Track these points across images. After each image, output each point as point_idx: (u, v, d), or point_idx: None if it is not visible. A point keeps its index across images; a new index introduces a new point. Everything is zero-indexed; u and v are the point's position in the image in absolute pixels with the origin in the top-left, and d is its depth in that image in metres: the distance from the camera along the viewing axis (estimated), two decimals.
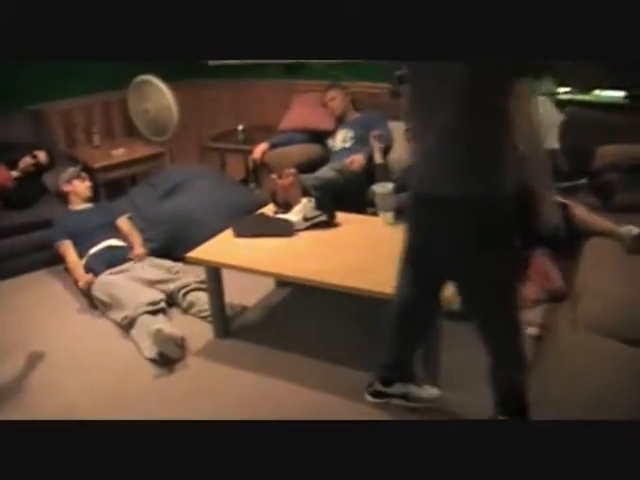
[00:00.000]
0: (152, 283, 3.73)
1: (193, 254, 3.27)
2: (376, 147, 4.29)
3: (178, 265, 3.87)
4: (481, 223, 2.17)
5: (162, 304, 3.61)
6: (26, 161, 4.53)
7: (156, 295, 3.62)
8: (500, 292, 2.32)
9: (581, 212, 3.37)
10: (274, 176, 3.62)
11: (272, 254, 3.19)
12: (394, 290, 2.60)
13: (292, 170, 3.58)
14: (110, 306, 3.66)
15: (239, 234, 3.41)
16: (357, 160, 4.24)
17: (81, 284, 3.83)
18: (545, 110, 4.24)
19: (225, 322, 3.45)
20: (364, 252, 3.15)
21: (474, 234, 2.19)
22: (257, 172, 5.30)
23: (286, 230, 3.37)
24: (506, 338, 2.38)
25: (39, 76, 4.99)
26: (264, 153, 4.69)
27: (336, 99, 4.76)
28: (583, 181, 3.83)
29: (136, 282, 3.71)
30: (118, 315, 3.55)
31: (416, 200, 2.32)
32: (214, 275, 3.31)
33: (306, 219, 3.42)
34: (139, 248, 4.01)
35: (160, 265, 3.89)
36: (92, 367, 3.27)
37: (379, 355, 2.69)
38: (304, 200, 3.47)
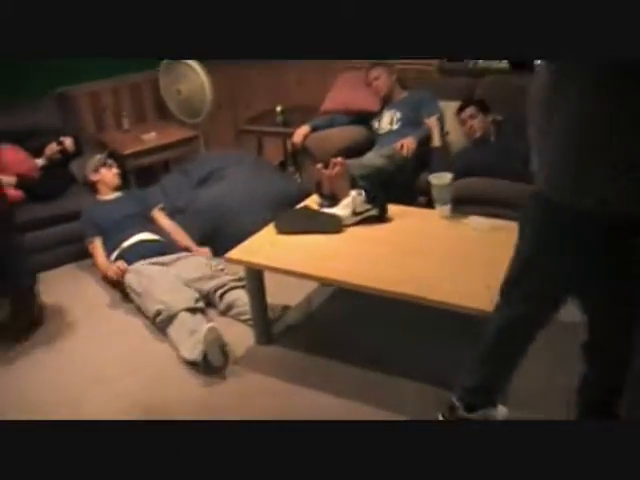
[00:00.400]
0: (189, 282, 3.45)
1: (232, 254, 2.96)
2: (436, 129, 3.95)
3: (216, 262, 3.59)
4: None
5: (201, 303, 3.33)
6: (52, 148, 4.25)
7: (194, 294, 3.34)
8: (630, 316, 2.01)
9: None
10: (320, 166, 3.29)
11: (319, 254, 2.87)
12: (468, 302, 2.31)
13: (339, 159, 3.25)
14: (144, 297, 3.38)
15: (282, 230, 3.10)
16: (408, 144, 3.89)
17: (111, 272, 3.58)
18: None
19: (267, 327, 3.15)
20: (420, 252, 2.82)
21: (627, 254, 1.88)
22: (296, 156, 4.97)
23: (334, 226, 3.05)
24: (620, 360, 2.09)
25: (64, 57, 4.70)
26: (305, 136, 4.35)
27: (381, 78, 4.39)
28: None
29: (174, 278, 3.44)
30: (152, 307, 3.27)
31: (551, 210, 1.98)
32: (255, 277, 3.01)
33: (355, 213, 3.10)
34: (197, 247, 3.83)
35: (197, 262, 3.61)
36: (119, 374, 3.03)
37: (463, 378, 2.36)
38: (353, 192, 3.14)
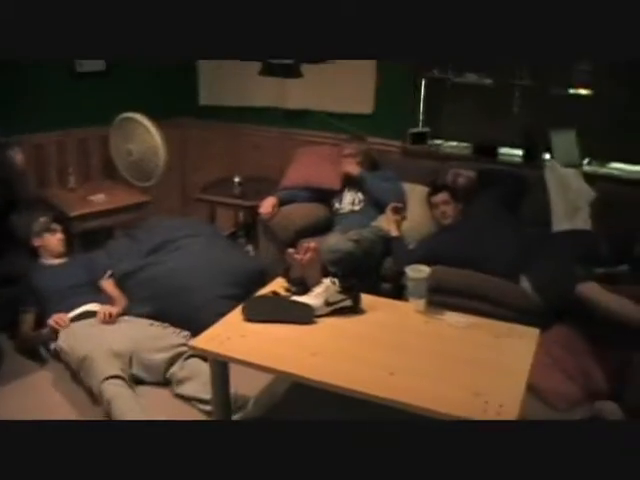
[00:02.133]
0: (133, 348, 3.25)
1: (198, 343, 2.74)
2: (392, 219, 3.84)
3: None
4: None
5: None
6: None
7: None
8: None
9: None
10: (291, 250, 3.13)
11: (292, 348, 2.68)
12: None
13: (312, 244, 3.09)
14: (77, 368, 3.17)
15: (250, 318, 2.90)
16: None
17: (52, 322, 3.37)
18: (578, 186, 3.89)
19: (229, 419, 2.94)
20: (399, 350, 2.66)
21: None
22: (248, 226, 4.82)
23: (306, 317, 2.87)
24: None
25: (9, 106, 4.45)
26: (274, 206, 4.21)
27: (358, 155, 4.31)
28: (624, 267, 3.44)
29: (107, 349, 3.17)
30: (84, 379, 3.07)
31: None
32: (220, 367, 2.80)
33: (328, 304, 2.94)
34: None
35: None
36: None
37: None
38: (326, 281, 2.98)
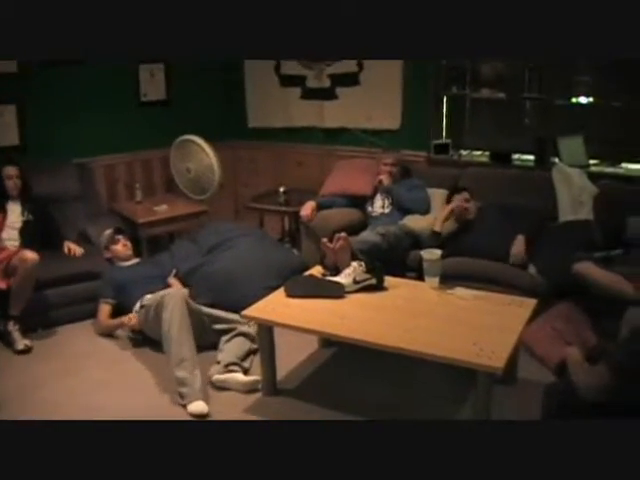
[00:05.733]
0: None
1: (249, 312, 3.36)
2: (442, 217, 4.38)
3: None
4: None
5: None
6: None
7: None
8: None
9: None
10: (325, 240, 3.73)
11: (327, 315, 3.28)
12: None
13: (343, 234, 3.69)
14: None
15: (291, 294, 3.50)
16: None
17: (132, 323, 3.94)
18: (581, 183, 4.39)
19: (275, 380, 3.51)
20: (415, 315, 3.24)
21: None
22: (293, 232, 5.43)
23: (338, 292, 3.46)
24: None
25: (86, 132, 5.21)
26: (313, 210, 4.81)
27: (395, 165, 4.91)
28: (618, 252, 3.92)
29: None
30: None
31: None
32: (267, 334, 3.39)
33: (356, 282, 3.52)
34: None
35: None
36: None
37: None
38: (354, 264, 3.57)
